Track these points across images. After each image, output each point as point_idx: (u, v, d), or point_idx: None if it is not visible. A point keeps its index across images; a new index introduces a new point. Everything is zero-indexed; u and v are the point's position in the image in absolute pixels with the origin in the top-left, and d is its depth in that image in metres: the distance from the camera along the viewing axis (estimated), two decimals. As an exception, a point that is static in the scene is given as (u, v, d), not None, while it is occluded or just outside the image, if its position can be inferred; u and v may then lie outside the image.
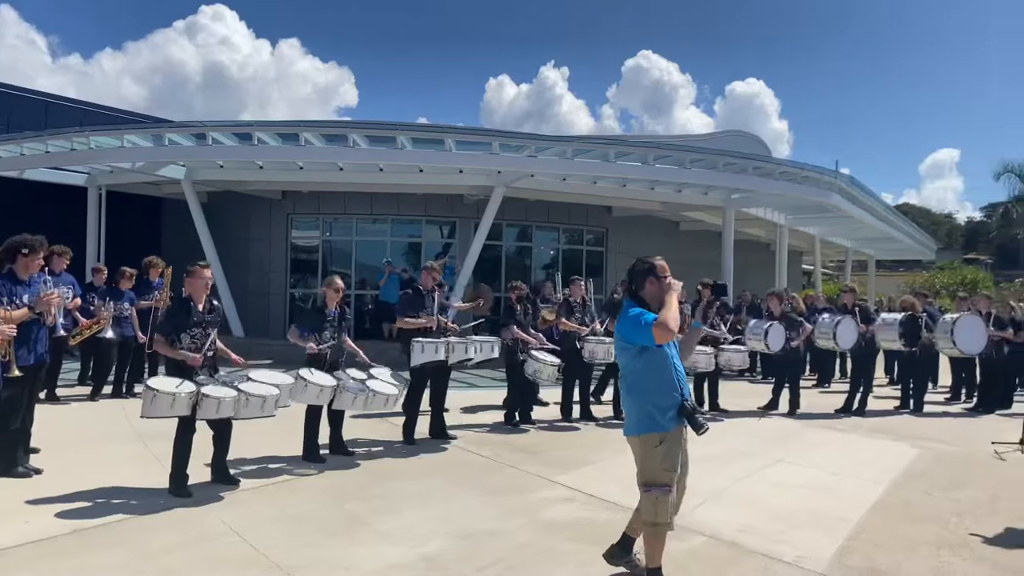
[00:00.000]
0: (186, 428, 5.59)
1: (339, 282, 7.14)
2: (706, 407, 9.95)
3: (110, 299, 9.63)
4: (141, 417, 5.40)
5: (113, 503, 5.31)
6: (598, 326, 9.39)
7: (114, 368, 9.89)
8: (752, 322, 10.78)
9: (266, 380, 6.12)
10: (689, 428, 3.93)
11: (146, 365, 10.13)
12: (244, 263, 17.15)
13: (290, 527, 4.98)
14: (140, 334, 9.88)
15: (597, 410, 9.40)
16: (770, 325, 10.15)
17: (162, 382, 5.54)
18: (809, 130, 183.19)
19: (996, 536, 5.03)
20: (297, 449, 6.78)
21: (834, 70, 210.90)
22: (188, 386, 5.46)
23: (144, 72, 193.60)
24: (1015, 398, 10.99)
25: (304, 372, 6.52)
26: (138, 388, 8.52)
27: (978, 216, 70.89)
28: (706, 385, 10.03)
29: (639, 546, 4.20)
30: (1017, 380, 11.51)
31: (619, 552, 4.26)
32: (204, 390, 5.48)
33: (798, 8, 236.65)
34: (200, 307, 5.86)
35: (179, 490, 5.55)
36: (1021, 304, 13.34)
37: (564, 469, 6.66)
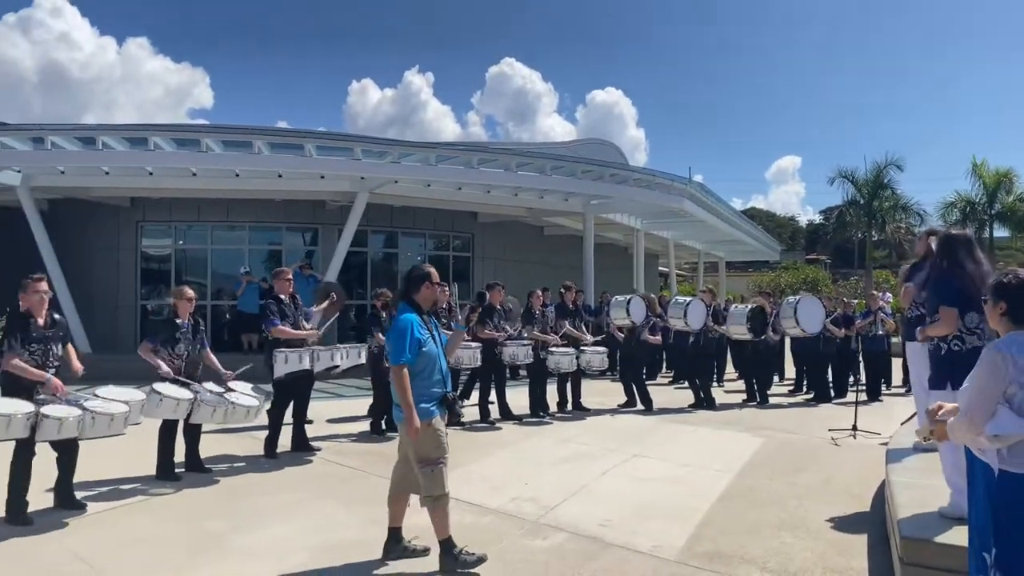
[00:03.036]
0: (24, 450, 5.23)
1: (189, 291, 6.79)
2: (569, 406, 10.24)
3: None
4: (-29, 442, 4.99)
5: (-60, 537, 4.90)
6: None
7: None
8: (615, 297, 11.29)
9: (115, 397, 5.81)
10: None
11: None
12: (90, 274, 16.11)
13: (144, 550, 4.75)
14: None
15: (463, 415, 9.45)
16: (631, 297, 10.66)
17: (-5, 403, 5.15)
18: (666, 138, 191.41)
19: (830, 515, 5.46)
20: (151, 468, 6.47)
21: (689, 81, 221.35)
22: (26, 406, 5.10)
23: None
24: (848, 388, 11.89)
25: (158, 386, 6.21)
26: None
27: (817, 219, 75.93)
28: (568, 385, 10.30)
29: (409, 532, 4.65)
30: (850, 371, 12.45)
31: (392, 545, 4.59)
32: (44, 410, 5.13)
33: (656, 21, 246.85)
34: (40, 321, 5.50)
35: (17, 518, 5.18)
36: (855, 300, 14.50)
37: (431, 474, 6.67)
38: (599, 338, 11.16)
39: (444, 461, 4.41)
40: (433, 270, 4.59)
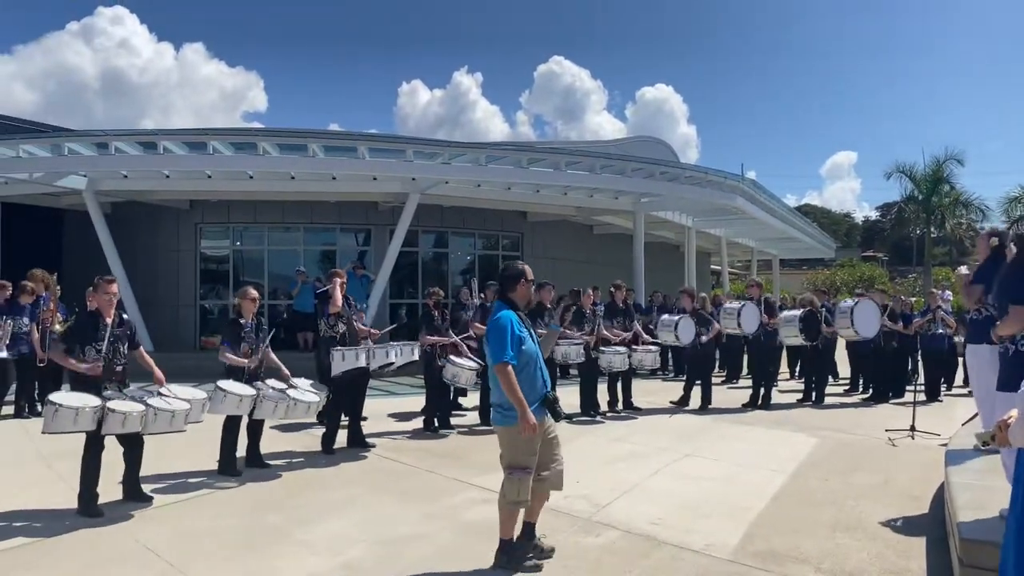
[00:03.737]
0: (94, 445, 5.45)
1: (254, 292, 7.01)
2: (620, 406, 10.22)
3: (6, 316, 9.22)
4: (43, 433, 5.20)
5: (15, 526, 5.13)
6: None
7: (14, 388, 9.49)
8: (663, 316, 11.23)
9: (178, 395, 6.00)
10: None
11: (36, 382, 9.68)
12: (152, 275, 16.62)
13: (208, 541, 4.92)
14: (39, 351, 9.43)
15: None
16: (680, 318, 10.56)
17: (65, 397, 5.37)
18: (717, 135, 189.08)
19: (887, 516, 5.37)
20: (214, 463, 6.67)
21: (741, 77, 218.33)
22: (93, 400, 5.32)
23: (37, 77, 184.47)
24: (906, 388, 11.63)
25: (223, 383, 6.42)
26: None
27: (874, 215, 74.23)
28: (620, 384, 10.28)
29: (540, 530, 4.62)
30: (908, 370, 12.18)
31: (524, 540, 4.51)
32: (110, 404, 5.34)
33: (707, 16, 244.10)
34: (108, 321, 5.72)
35: (88, 510, 5.39)
36: (913, 299, 14.17)
37: (484, 472, 6.74)
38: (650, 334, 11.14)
39: (532, 470, 4.32)
40: (527, 267, 4.54)
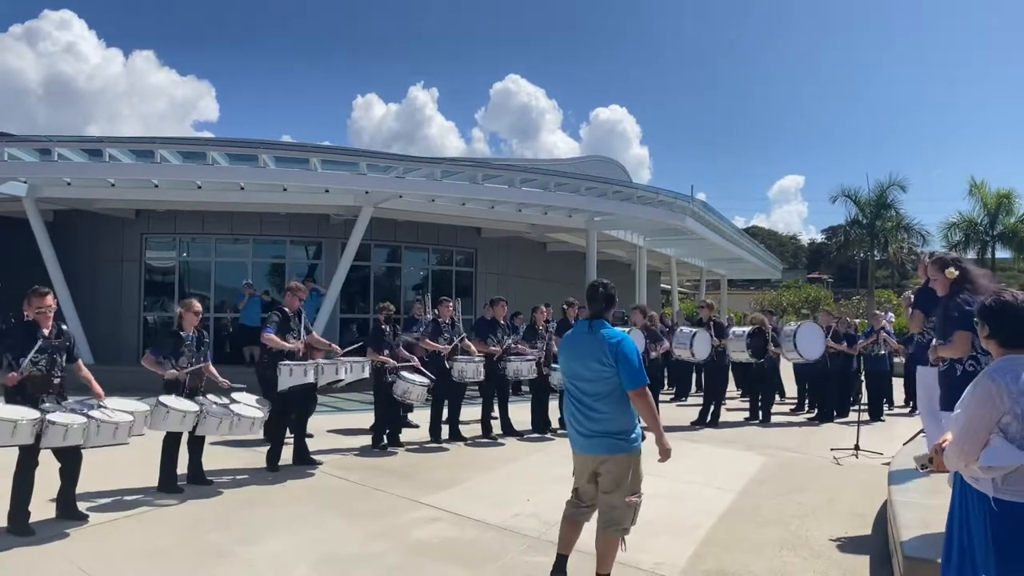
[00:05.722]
0: (27, 459, 5.23)
1: (197, 305, 6.84)
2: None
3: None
4: (-22, 447, 4.98)
5: (-58, 546, 4.90)
6: (472, 346, 9.48)
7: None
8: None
9: (119, 407, 5.82)
10: None
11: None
12: (94, 285, 16.15)
13: (147, 562, 4.76)
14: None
15: (466, 430, 9.42)
16: (629, 330, 10.62)
17: (2, 409, 5.15)
18: (669, 157, 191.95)
19: (832, 535, 5.46)
20: (153, 480, 6.46)
21: (692, 100, 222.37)
22: (31, 413, 5.11)
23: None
24: (851, 408, 11.87)
25: (165, 398, 6.23)
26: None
27: (820, 238, 75.93)
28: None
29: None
30: (851, 390, 12.44)
31: (557, 574, 4.37)
32: (50, 417, 5.14)
33: (660, 41, 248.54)
34: (46, 332, 5.52)
35: (19, 528, 5.17)
36: (857, 320, 14.49)
37: (432, 490, 6.68)
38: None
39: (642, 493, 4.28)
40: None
